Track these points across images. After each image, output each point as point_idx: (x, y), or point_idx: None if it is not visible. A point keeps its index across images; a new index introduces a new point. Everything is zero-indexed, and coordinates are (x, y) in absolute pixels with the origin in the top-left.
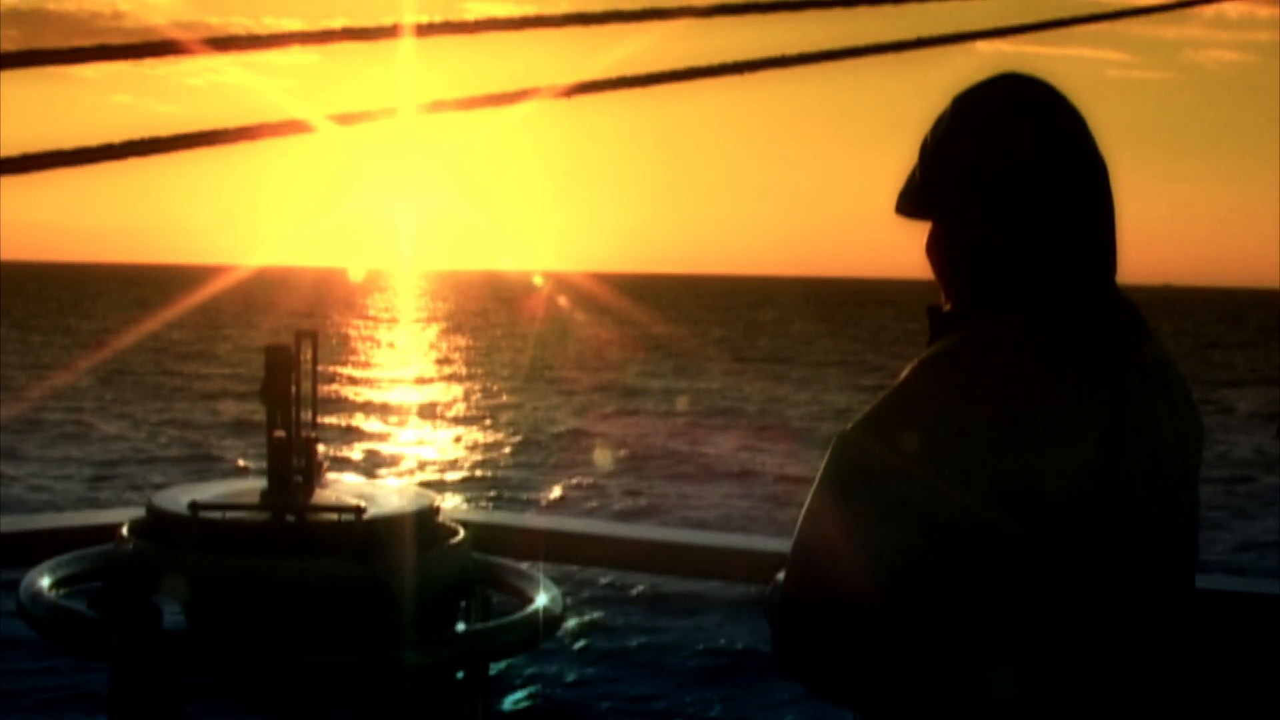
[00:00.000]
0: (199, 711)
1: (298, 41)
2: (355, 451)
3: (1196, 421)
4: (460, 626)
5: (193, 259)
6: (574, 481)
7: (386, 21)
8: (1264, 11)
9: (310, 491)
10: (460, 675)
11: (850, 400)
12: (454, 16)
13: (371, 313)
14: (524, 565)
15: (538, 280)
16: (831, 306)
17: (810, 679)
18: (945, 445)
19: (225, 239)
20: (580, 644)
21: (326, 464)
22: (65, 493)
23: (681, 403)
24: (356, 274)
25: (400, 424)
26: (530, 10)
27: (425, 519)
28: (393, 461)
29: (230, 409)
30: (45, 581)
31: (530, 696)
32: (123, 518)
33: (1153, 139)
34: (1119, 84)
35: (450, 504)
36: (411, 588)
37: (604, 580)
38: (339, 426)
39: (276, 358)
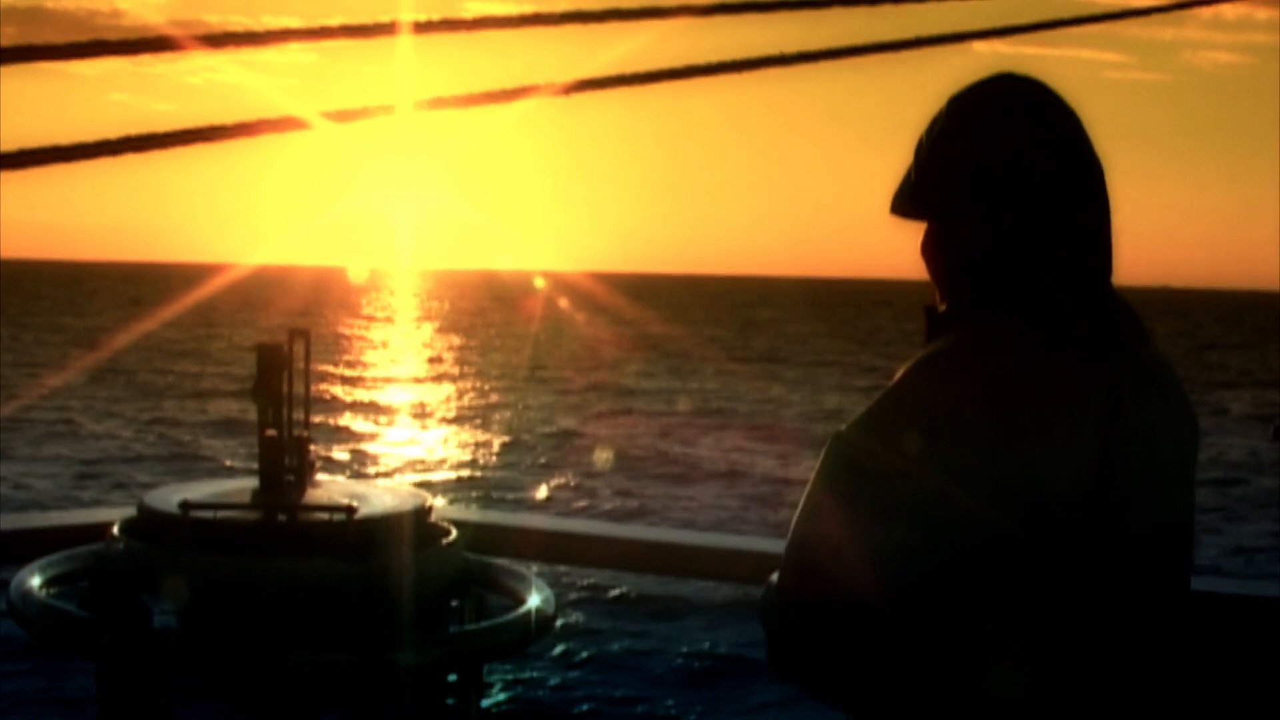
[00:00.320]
0: (190, 713)
1: (296, 39)
2: (344, 452)
3: (1192, 423)
4: (453, 627)
5: (190, 257)
6: (563, 482)
7: (384, 19)
8: (1261, 13)
9: (302, 491)
10: (453, 676)
11: (843, 401)
12: (452, 14)
13: (367, 311)
14: (517, 565)
15: (539, 282)
16: (828, 307)
17: (808, 679)
18: (944, 445)
19: (224, 237)
20: (568, 645)
21: (318, 463)
22: (47, 491)
23: (674, 403)
24: (357, 274)
25: (390, 424)
26: (529, 8)
27: (418, 519)
28: (382, 461)
29: (220, 408)
30: (35, 581)
31: (520, 697)
32: (114, 517)
33: (1150, 140)
34: (1116, 85)
35: (439, 504)
36: (403, 588)
37: (591, 581)
38: (331, 426)
39: (268, 356)
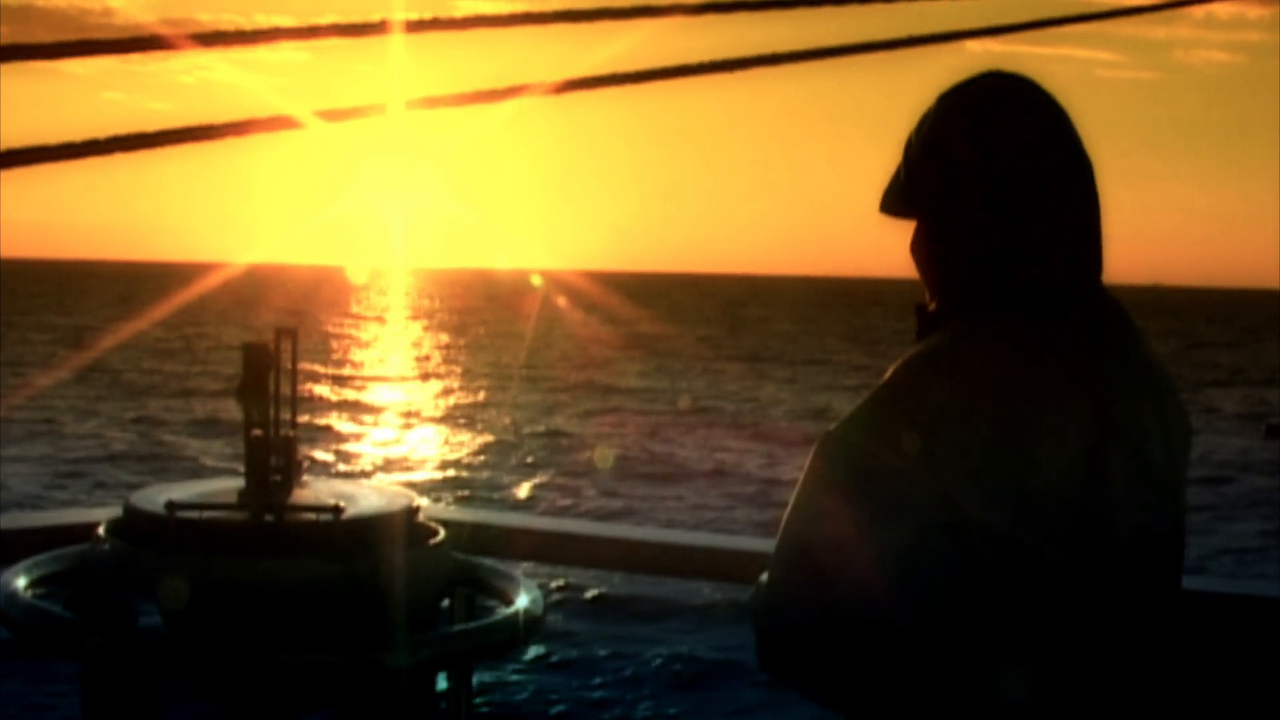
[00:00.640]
0: (177, 715)
1: (288, 37)
2: (329, 452)
3: (1184, 423)
4: (442, 628)
5: (183, 256)
6: (549, 480)
7: (376, 18)
8: (1254, 12)
9: (289, 491)
10: (442, 676)
11: (831, 400)
12: (444, 13)
13: (357, 310)
14: (505, 566)
15: (536, 280)
16: (820, 305)
17: (806, 681)
18: (944, 445)
19: (216, 236)
20: (555, 646)
21: (306, 463)
22: (25, 492)
23: (662, 401)
24: (357, 274)
25: (375, 423)
26: (520, 7)
27: (405, 519)
28: (367, 459)
29: (204, 407)
30: (20, 582)
31: (508, 698)
32: (99, 517)
33: (1142, 139)
34: (1108, 84)
35: (425, 504)
36: (392, 588)
37: (578, 581)
38: (318, 425)
39: (255, 355)
